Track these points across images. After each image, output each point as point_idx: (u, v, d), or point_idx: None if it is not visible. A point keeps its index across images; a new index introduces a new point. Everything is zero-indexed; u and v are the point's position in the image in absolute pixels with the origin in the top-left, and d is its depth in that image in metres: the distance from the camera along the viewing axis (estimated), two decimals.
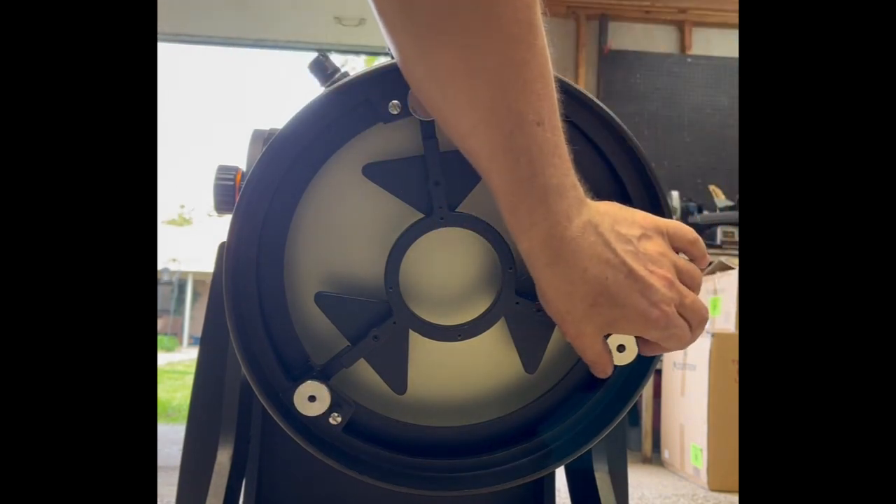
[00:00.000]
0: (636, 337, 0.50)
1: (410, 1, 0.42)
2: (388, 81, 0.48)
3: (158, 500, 1.91)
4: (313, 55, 0.52)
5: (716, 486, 2.30)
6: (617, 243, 0.47)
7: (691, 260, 0.52)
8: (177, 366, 9.24)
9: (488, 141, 0.44)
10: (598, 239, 0.46)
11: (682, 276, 0.50)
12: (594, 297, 0.46)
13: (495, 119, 0.43)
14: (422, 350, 0.53)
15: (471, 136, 0.45)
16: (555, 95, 0.45)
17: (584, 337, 0.49)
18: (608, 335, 0.50)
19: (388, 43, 0.45)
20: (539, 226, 0.45)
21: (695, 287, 0.50)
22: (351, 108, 0.49)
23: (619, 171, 0.52)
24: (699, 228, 3.07)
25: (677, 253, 0.51)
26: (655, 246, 0.49)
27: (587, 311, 0.47)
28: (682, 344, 0.50)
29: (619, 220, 0.48)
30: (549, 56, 0.44)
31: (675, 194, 3.50)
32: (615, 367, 0.52)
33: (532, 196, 0.45)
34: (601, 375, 0.51)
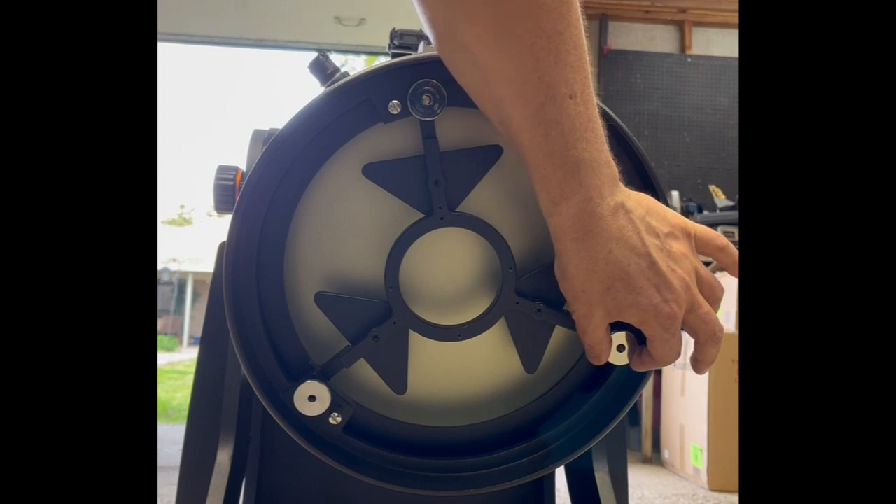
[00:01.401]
0: (632, 345, 0.50)
1: None
2: (388, 81, 0.48)
3: (158, 500, 1.91)
4: (313, 55, 0.52)
5: (716, 486, 2.30)
6: (646, 233, 0.46)
7: (722, 268, 0.52)
8: (177, 366, 9.24)
9: (519, 112, 0.44)
10: (628, 224, 0.46)
11: (701, 284, 0.49)
12: (612, 280, 0.46)
13: (526, 91, 0.43)
14: (422, 350, 0.53)
15: (501, 107, 0.45)
16: (588, 68, 0.44)
17: (592, 318, 0.48)
18: (618, 329, 0.50)
19: (418, 12, 0.45)
20: (570, 200, 0.45)
21: (713, 300, 0.49)
22: (351, 108, 0.49)
23: (619, 171, 0.52)
24: None
25: (707, 264, 0.50)
26: (681, 246, 0.48)
27: (602, 294, 0.47)
28: (670, 357, 0.49)
29: (651, 212, 0.48)
30: (582, 29, 0.44)
31: (675, 194, 3.50)
32: (614, 366, 0.52)
33: (564, 168, 0.44)
34: (595, 362, 0.50)
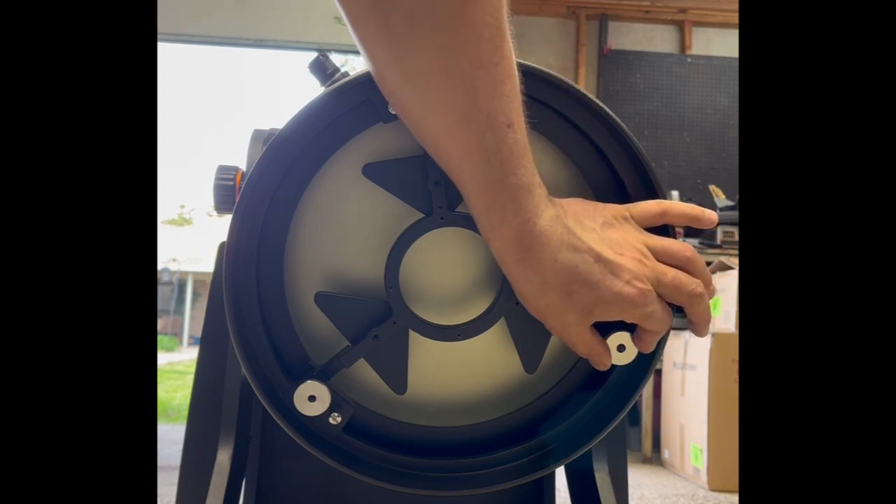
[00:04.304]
0: (631, 334, 0.50)
1: (383, 3, 0.42)
2: None
3: (158, 500, 1.91)
4: (313, 55, 0.52)
5: (716, 486, 2.30)
6: (582, 232, 0.48)
7: (683, 231, 0.52)
8: (177, 366, 9.24)
9: (462, 142, 0.45)
10: (565, 231, 0.47)
11: (660, 255, 0.50)
12: (568, 284, 0.47)
13: (469, 120, 0.44)
14: (422, 350, 0.53)
15: (444, 139, 0.46)
16: (520, 98, 0.46)
17: (569, 328, 0.49)
18: (608, 335, 0.50)
19: (362, 52, 0.46)
20: (510, 223, 0.46)
21: (683, 262, 0.50)
22: (351, 108, 0.49)
23: (620, 171, 0.52)
24: (699, 228, 3.06)
25: (693, 232, 0.51)
26: (619, 231, 0.50)
27: (565, 301, 0.48)
28: (663, 324, 0.49)
29: (580, 212, 0.49)
30: (514, 60, 0.45)
31: (675, 194, 3.50)
32: (615, 366, 0.52)
33: (504, 194, 0.45)
34: (600, 368, 0.51)
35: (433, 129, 0.46)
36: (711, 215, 0.53)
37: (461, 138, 0.45)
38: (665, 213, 0.51)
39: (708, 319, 0.51)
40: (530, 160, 0.46)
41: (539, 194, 0.47)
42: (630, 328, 0.50)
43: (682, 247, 0.51)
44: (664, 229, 0.52)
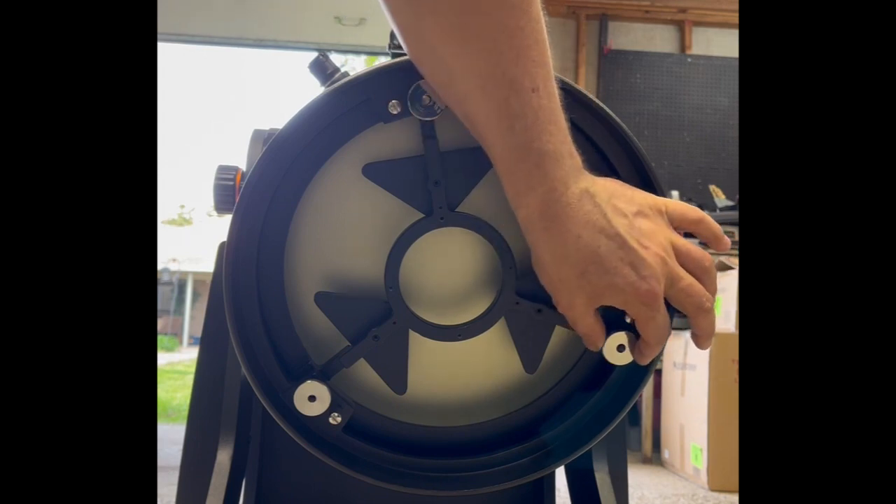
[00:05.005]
0: (629, 337, 0.50)
1: None
2: (387, 81, 0.48)
3: (158, 500, 1.91)
4: (313, 55, 0.52)
5: (716, 486, 2.30)
6: (612, 215, 0.47)
7: (704, 242, 0.52)
8: (177, 366, 9.24)
9: (484, 107, 0.45)
10: (595, 208, 0.46)
11: (682, 258, 0.49)
12: (585, 264, 0.46)
13: (490, 85, 0.44)
14: (422, 350, 0.53)
15: (467, 102, 0.45)
16: (550, 63, 0.45)
17: (576, 307, 0.48)
18: (609, 331, 0.50)
19: (385, 10, 0.46)
20: (536, 191, 0.46)
21: (700, 271, 0.49)
22: (351, 108, 0.49)
23: (620, 171, 0.52)
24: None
25: (689, 236, 0.51)
26: (651, 224, 0.49)
27: (578, 280, 0.47)
28: (660, 334, 0.49)
29: (616, 194, 0.48)
30: (544, 24, 0.45)
31: (675, 194, 3.50)
32: (615, 366, 0.52)
33: (528, 161, 0.45)
34: (592, 348, 0.50)
35: (457, 92, 0.46)
36: (727, 242, 0.52)
37: (484, 102, 0.44)
38: (699, 223, 0.51)
39: (711, 334, 0.51)
40: (561, 127, 0.45)
41: (570, 165, 0.46)
42: (629, 328, 0.50)
43: (704, 255, 0.50)
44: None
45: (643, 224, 0.48)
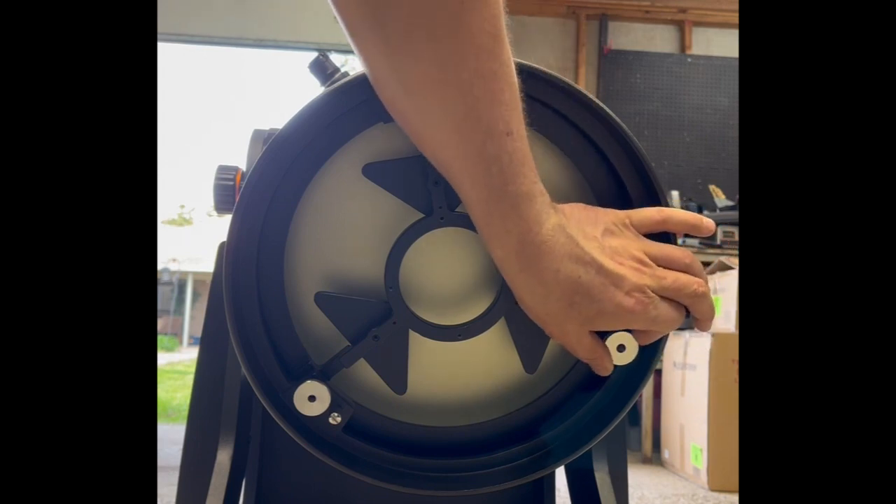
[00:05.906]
0: (631, 333, 0.50)
1: (380, 13, 0.42)
2: None
3: (158, 500, 1.91)
4: (313, 55, 0.52)
5: (716, 486, 2.30)
6: (584, 241, 0.48)
7: (683, 237, 0.52)
8: (177, 366, 9.24)
9: (461, 151, 0.45)
10: (568, 240, 0.47)
11: (661, 261, 0.50)
12: (570, 296, 0.47)
13: (467, 130, 0.44)
14: (422, 350, 0.53)
15: (444, 148, 0.46)
16: (521, 105, 0.46)
17: (569, 336, 0.49)
18: (605, 336, 0.50)
19: (360, 61, 0.46)
20: (512, 232, 0.46)
21: (681, 268, 0.50)
22: (351, 107, 0.49)
23: (619, 171, 0.52)
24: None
25: (674, 239, 0.51)
26: (620, 239, 0.50)
27: (566, 311, 0.48)
28: (672, 324, 0.50)
29: (582, 220, 0.49)
30: (513, 67, 0.45)
31: (675, 194, 3.50)
32: (615, 366, 0.52)
33: (504, 203, 0.45)
34: (602, 373, 0.51)
35: (432, 137, 0.46)
36: (710, 224, 0.53)
37: (461, 147, 0.45)
38: (665, 221, 0.52)
39: (712, 315, 0.52)
40: (532, 168, 0.46)
41: (541, 202, 0.47)
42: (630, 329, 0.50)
43: (683, 253, 0.51)
44: (664, 235, 0.52)
45: (612, 242, 0.49)
